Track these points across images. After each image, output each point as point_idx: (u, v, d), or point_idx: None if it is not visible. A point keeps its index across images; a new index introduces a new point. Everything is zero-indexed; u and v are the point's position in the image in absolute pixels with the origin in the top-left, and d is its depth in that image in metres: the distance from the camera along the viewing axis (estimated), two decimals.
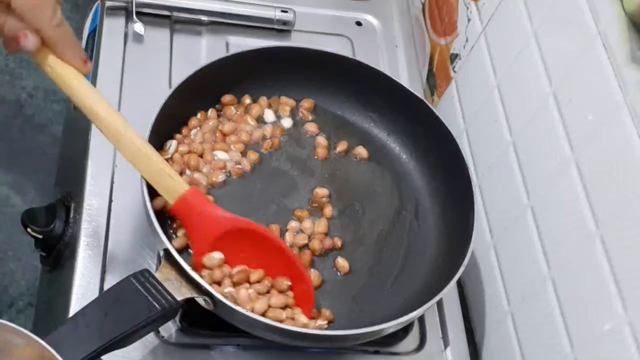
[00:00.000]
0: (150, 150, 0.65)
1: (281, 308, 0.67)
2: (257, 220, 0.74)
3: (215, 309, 0.64)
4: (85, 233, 0.72)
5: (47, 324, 0.87)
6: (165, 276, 0.62)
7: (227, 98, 0.80)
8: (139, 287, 0.60)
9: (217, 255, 0.67)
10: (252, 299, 0.66)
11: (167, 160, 0.74)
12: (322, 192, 0.77)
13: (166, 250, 0.64)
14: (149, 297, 0.60)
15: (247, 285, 0.67)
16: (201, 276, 0.63)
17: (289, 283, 0.68)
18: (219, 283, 0.66)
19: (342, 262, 0.73)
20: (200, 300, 0.63)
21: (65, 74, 0.62)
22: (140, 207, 0.70)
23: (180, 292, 0.62)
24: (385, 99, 0.82)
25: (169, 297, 0.61)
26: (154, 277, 0.62)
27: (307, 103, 0.83)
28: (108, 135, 0.64)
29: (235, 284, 0.67)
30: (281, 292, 0.68)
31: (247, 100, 0.81)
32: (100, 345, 0.57)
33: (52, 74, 0.63)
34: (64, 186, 0.86)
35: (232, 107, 0.80)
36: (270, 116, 0.82)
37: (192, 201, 0.66)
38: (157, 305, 0.60)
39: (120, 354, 0.61)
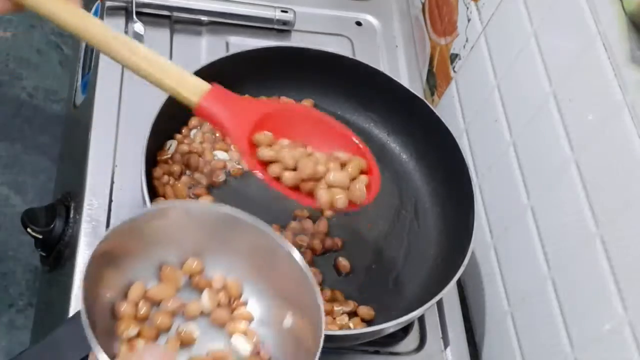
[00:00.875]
0: (162, 59, 0.61)
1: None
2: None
3: None
4: (85, 233, 0.72)
5: (47, 324, 0.87)
6: None
7: None
8: None
9: (267, 133, 0.61)
10: None
11: (167, 159, 0.74)
12: None
13: None
14: None
15: None
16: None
17: (346, 153, 0.62)
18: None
19: (343, 262, 0.73)
20: None
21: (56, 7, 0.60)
22: (141, 207, 0.70)
23: None
24: (385, 99, 0.82)
25: None
26: None
27: (307, 103, 0.83)
28: (117, 59, 0.61)
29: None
30: (342, 165, 0.62)
31: None
32: None
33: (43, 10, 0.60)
34: (64, 186, 0.86)
35: None
36: None
37: (219, 94, 0.62)
38: None
39: None
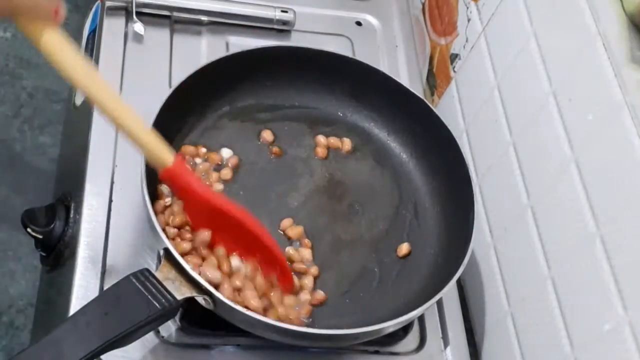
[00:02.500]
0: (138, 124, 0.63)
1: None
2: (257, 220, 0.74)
3: (215, 309, 0.64)
4: (85, 233, 0.72)
5: (47, 324, 0.87)
6: (165, 275, 0.62)
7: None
8: (139, 287, 0.60)
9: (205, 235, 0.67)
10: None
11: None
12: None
13: (166, 250, 0.64)
14: (149, 296, 0.60)
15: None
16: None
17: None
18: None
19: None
20: (200, 299, 0.63)
21: (42, 37, 0.55)
22: (140, 207, 0.70)
23: (180, 291, 0.62)
24: (385, 98, 0.82)
25: (168, 297, 0.61)
26: (154, 276, 0.62)
27: None
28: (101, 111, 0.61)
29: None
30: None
31: None
32: (100, 344, 0.57)
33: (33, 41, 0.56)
34: (64, 186, 0.86)
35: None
36: None
37: (177, 173, 0.64)
38: (157, 305, 0.60)
39: (120, 353, 0.61)
